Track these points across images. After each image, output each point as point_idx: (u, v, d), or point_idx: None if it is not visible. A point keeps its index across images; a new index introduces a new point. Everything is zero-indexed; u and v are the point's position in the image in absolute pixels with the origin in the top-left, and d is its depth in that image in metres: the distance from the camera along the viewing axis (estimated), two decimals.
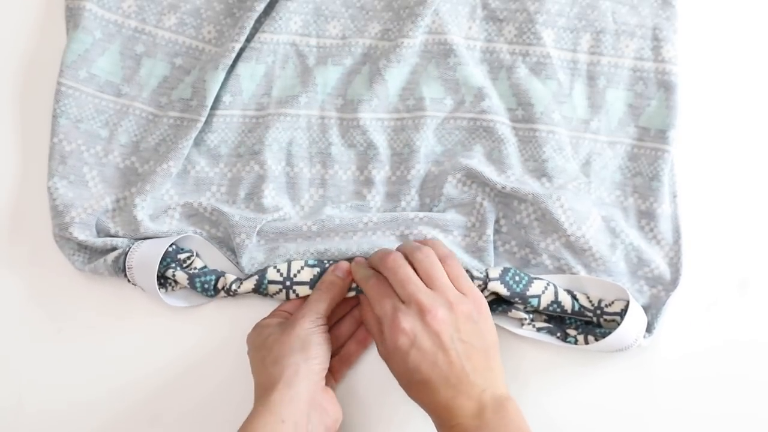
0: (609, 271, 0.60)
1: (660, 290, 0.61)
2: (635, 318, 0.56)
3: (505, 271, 0.58)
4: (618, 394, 0.60)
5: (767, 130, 0.67)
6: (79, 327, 0.61)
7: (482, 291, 0.57)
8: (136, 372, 0.60)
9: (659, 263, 0.61)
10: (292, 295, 0.59)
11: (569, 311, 0.59)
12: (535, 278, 0.58)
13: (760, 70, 0.68)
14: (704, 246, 0.63)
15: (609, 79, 0.66)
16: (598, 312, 0.58)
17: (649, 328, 0.59)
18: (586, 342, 0.58)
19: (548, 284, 0.58)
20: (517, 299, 0.58)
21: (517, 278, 0.58)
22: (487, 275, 0.58)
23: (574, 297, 0.58)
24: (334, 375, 0.59)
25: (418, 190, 0.63)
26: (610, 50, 0.67)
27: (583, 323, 0.59)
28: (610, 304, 0.58)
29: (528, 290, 0.58)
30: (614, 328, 0.56)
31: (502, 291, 0.58)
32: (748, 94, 0.68)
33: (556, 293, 0.58)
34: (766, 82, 0.68)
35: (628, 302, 0.57)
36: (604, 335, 0.57)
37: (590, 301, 0.58)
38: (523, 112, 0.65)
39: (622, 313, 0.57)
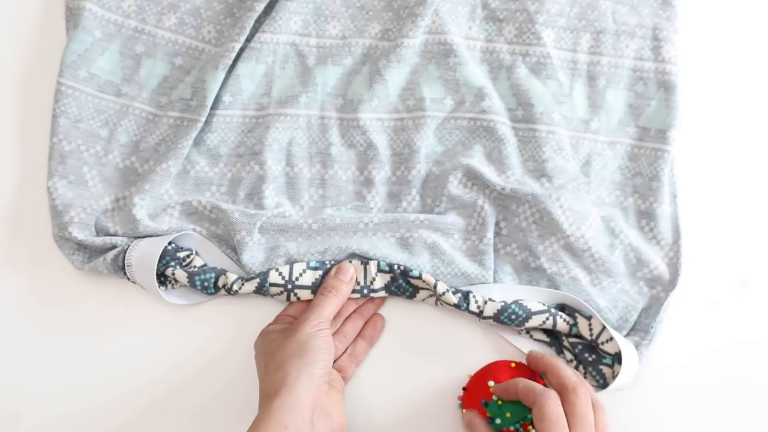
0: (608, 271, 0.60)
1: (659, 290, 0.61)
2: (627, 372, 0.56)
3: (504, 308, 0.57)
4: (617, 393, 0.59)
5: (767, 130, 0.67)
6: (79, 327, 0.61)
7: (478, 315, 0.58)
8: (136, 371, 0.60)
9: (658, 264, 0.61)
10: (293, 298, 0.59)
11: (565, 335, 0.59)
12: (536, 313, 0.57)
13: (760, 70, 0.68)
14: (704, 246, 0.63)
15: (609, 79, 0.66)
16: (594, 344, 0.58)
17: (648, 330, 0.59)
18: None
19: (548, 318, 0.57)
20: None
21: (513, 316, 0.57)
22: (481, 312, 0.57)
23: (573, 325, 0.58)
24: (343, 374, 0.59)
25: (419, 190, 0.63)
26: (610, 50, 0.66)
27: (579, 347, 0.59)
28: (606, 341, 0.57)
29: (525, 324, 0.57)
30: (608, 359, 0.57)
31: (494, 324, 0.58)
32: (748, 94, 0.68)
33: (554, 325, 0.57)
34: (766, 82, 0.68)
35: (625, 341, 0.57)
36: (596, 367, 0.57)
37: (590, 331, 0.58)
38: (523, 112, 0.65)
39: (616, 357, 0.57)
